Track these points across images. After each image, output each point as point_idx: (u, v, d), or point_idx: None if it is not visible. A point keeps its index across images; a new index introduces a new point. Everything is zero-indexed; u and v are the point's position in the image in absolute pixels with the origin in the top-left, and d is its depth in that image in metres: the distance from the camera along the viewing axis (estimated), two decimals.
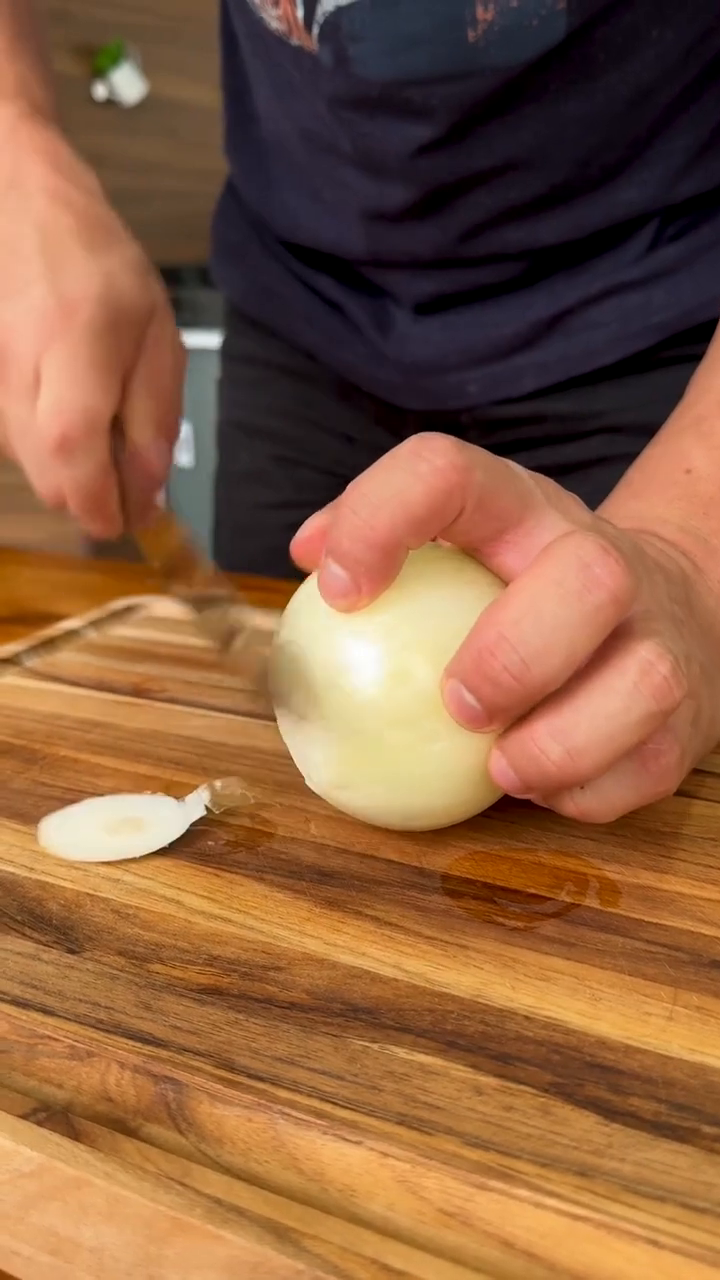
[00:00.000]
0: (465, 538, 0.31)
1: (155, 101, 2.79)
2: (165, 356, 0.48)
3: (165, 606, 0.62)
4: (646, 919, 0.31)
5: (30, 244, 0.45)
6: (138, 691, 0.49)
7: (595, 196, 0.60)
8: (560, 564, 0.29)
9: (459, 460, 0.29)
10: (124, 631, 0.58)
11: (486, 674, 0.29)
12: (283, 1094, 0.25)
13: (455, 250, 0.62)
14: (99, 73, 2.71)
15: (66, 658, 0.54)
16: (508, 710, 0.29)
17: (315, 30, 0.55)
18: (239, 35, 0.67)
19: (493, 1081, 0.25)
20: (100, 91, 2.74)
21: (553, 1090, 0.25)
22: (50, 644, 0.55)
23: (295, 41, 0.57)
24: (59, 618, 0.60)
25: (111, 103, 2.77)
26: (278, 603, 0.63)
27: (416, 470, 0.29)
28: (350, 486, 0.30)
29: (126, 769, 0.41)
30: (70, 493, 0.46)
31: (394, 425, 0.72)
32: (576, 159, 0.58)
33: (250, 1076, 0.25)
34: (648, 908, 0.31)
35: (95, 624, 0.58)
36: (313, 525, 0.32)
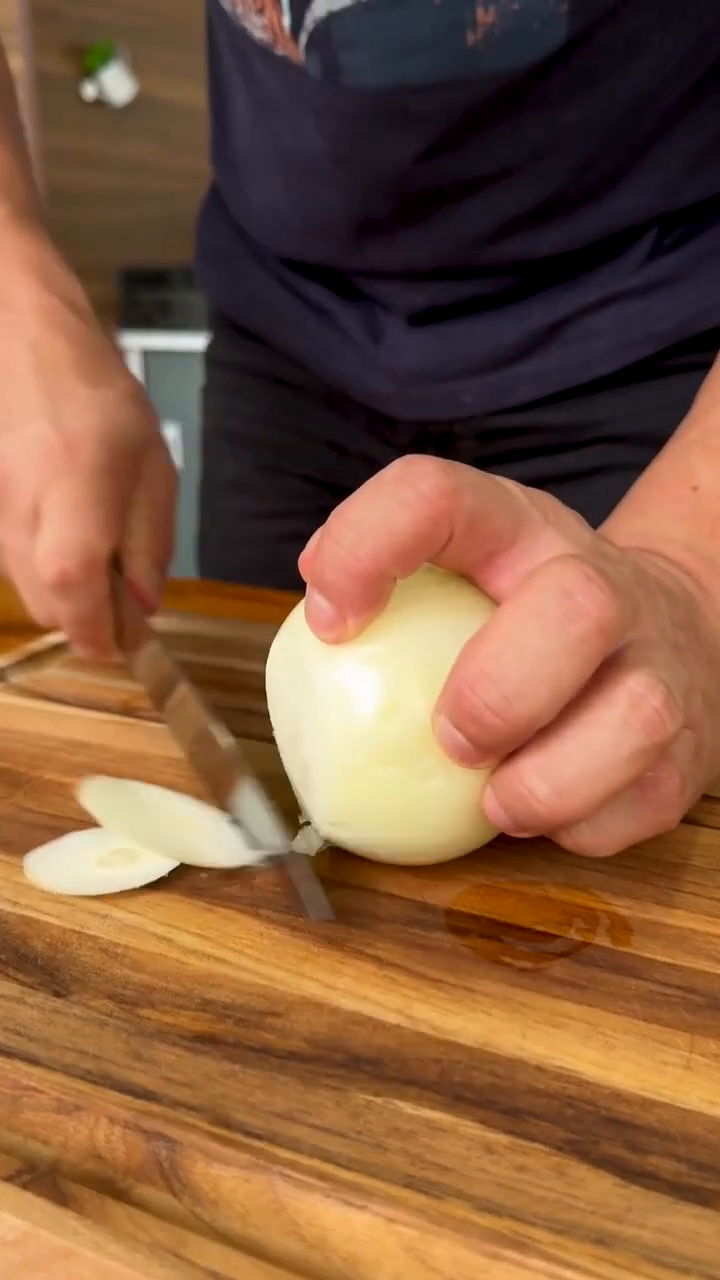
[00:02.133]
0: (457, 562, 0.30)
1: (145, 102, 2.77)
2: (160, 488, 0.49)
3: (156, 622, 0.60)
4: (659, 958, 0.29)
5: (27, 372, 0.46)
6: (127, 710, 0.47)
7: (593, 206, 0.59)
8: (541, 593, 0.27)
9: (446, 485, 0.28)
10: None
11: (468, 711, 0.27)
12: (282, 1153, 0.23)
13: (450, 261, 0.60)
14: (88, 72, 2.69)
15: (53, 673, 0.52)
16: (496, 748, 0.28)
17: (303, 39, 0.53)
18: (221, 47, 0.66)
19: (504, 1139, 0.24)
20: (89, 91, 2.72)
21: (567, 1148, 0.23)
22: (36, 659, 0.54)
23: (280, 52, 0.55)
24: (45, 631, 0.58)
25: (101, 103, 2.75)
26: (264, 613, 0.62)
27: (402, 497, 0.28)
28: (335, 513, 0.29)
29: None
30: (66, 623, 0.47)
31: (385, 434, 0.71)
32: (574, 168, 0.57)
33: (248, 1134, 0.24)
34: (660, 946, 0.30)
35: None
36: (309, 550, 0.31)
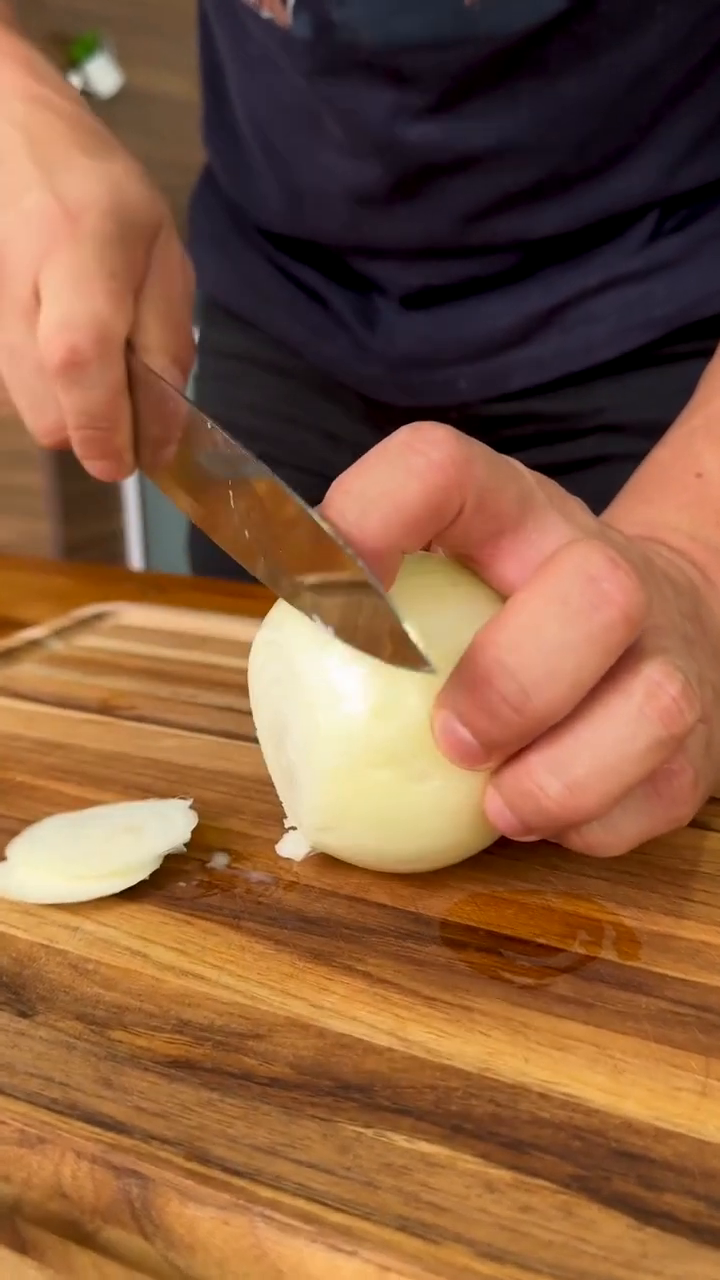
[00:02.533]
0: (460, 542, 0.28)
1: (131, 93, 2.74)
2: (175, 278, 0.43)
3: (136, 614, 0.58)
4: (670, 974, 0.27)
5: (18, 151, 0.40)
6: (104, 709, 0.45)
7: (594, 185, 0.57)
8: (564, 578, 0.25)
9: (458, 453, 0.25)
10: (91, 641, 0.54)
11: (482, 705, 0.25)
12: (264, 1192, 0.21)
13: (446, 239, 0.58)
14: (74, 64, 2.66)
15: (27, 670, 0.50)
16: (506, 745, 0.26)
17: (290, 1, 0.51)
18: (210, 15, 0.64)
19: (506, 1175, 0.22)
20: (75, 83, 2.69)
21: (575, 1185, 0.21)
22: (10, 655, 0.51)
23: (266, 14, 0.53)
24: (22, 625, 0.56)
25: (87, 94, 2.72)
26: (252, 609, 0.60)
27: (411, 465, 0.25)
28: (335, 484, 0.26)
29: (90, 796, 0.37)
30: (75, 423, 0.40)
31: (379, 422, 0.69)
32: (575, 144, 0.55)
33: (226, 1170, 0.22)
34: (671, 960, 0.28)
35: (60, 633, 0.55)
36: None
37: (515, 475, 0.27)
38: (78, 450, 0.41)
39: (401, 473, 0.25)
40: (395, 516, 0.25)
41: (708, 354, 0.62)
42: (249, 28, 0.58)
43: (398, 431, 0.26)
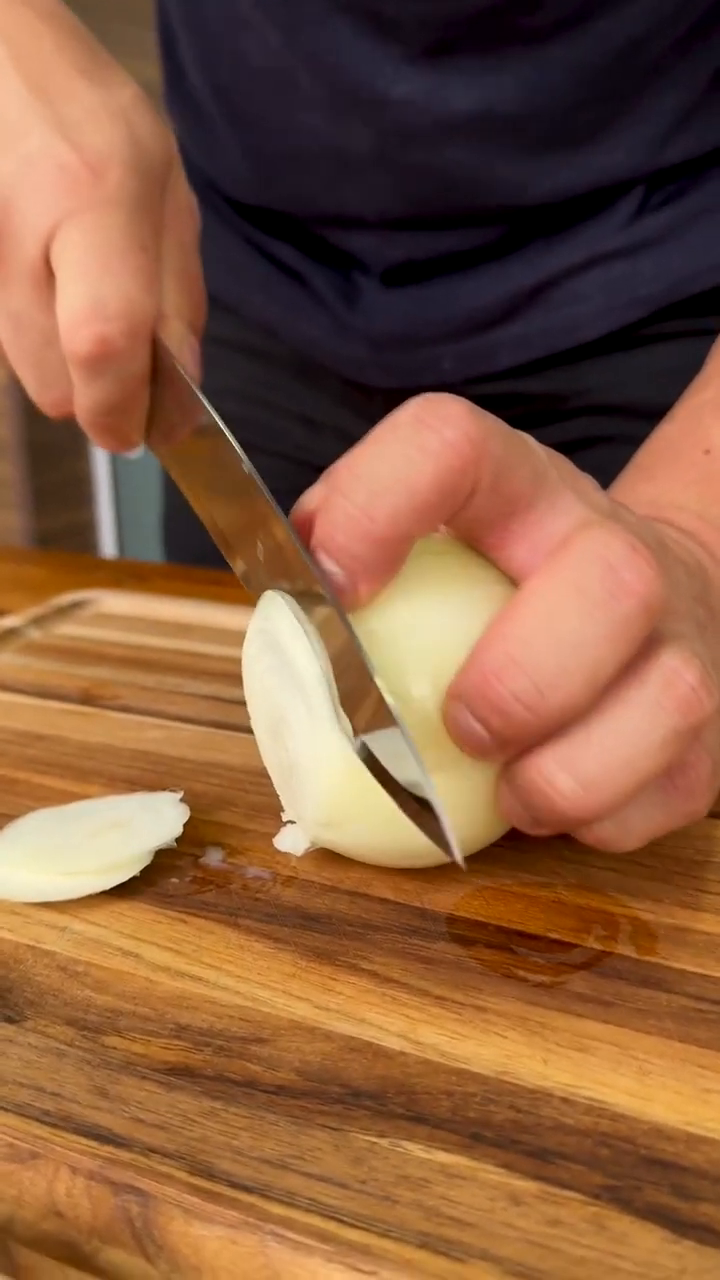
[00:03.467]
0: (470, 523, 0.26)
1: None
2: (187, 224, 0.38)
3: (117, 602, 0.56)
4: (690, 969, 0.26)
5: (4, 67, 0.34)
6: (86, 699, 0.43)
7: (579, 156, 0.56)
8: (581, 566, 0.24)
9: (474, 431, 0.24)
10: (70, 630, 0.52)
11: (493, 702, 0.24)
12: (275, 1208, 0.20)
13: (429, 208, 0.57)
14: None
15: (5, 660, 0.48)
16: (520, 741, 0.25)
17: None
18: None
19: (531, 1186, 0.20)
20: None
21: (605, 1196, 0.20)
22: None
23: None
24: None
25: None
26: (233, 597, 0.58)
27: (424, 444, 0.24)
28: (342, 464, 0.25)
29: (74, 789, 0.36)
30: (89, 408, 0.36)
31: (359, 406, 0.67)
32: (561, 112, 0.53)
33: (233, 1185, 0.20)
34: (690, 954, 0.27)
35: (38, 621, 0.53)
36: (308, 503, 0.27)
37: (528, 452, 0.26)
38: (85, 427, 0.37)
39: (414, 452, 0.24)
40: (406, 502, 0.24)
41: (695, 334, 0.61)
42: None
43: (408, 404, 0.25)
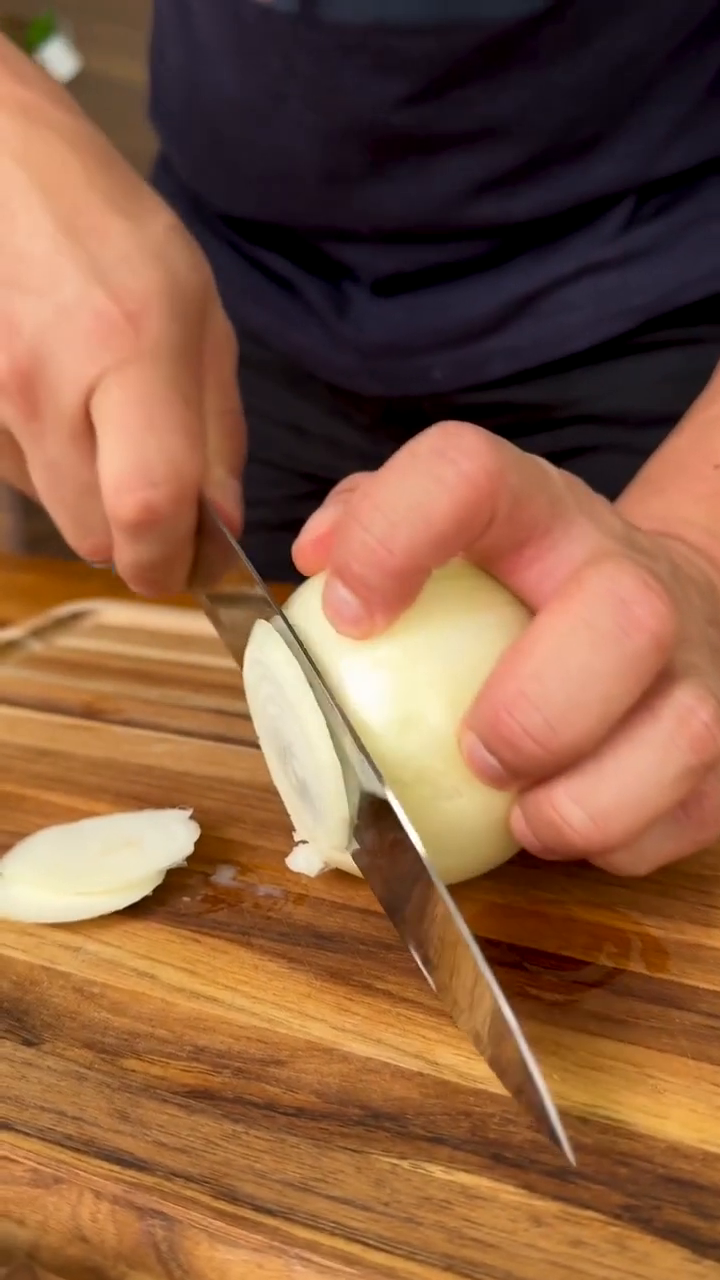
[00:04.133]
0: (485, 551, 0.26)
1: (88, 79, 2.69)
2: (226, 361, 0.37)
3: (116, 613, 0.56)
4: (703, 986, 0.27)
5: (30, 201, 0.33)
6: (90, 713, 0.44)
7: (571, 170, 0.56)
8: (593, 600, 0.24)
9: (492, 464, 0.24)
10: (71, 642, 0.53)
11: (505, 737, 0.24)
12: (300, 1232, 0.20)
13: (422, 221, 0.57)
14: (29, 48, 2.61)
15: (7, 673, 0.48)
16: (533, 773, 0.25)
17: None
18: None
19: (553, 1207, 0.21)
20: None
21: (626, 1216, 0.20)
22: None
23: None
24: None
25: None
26: None
27: (442, 476, 0.24)
28: (360, 492, 0.25)
29: (82, 806, 0.36)
30: (130, 565, 0.34)
31: (349, 414, 0.67)
32: (556, 128, 0.54)
33: (257, 1209, 0.21)
34: (702, 971, 0.27)
35: (38, 633, 0.53)
36: (319, 526, 0.27)
37: (545, 480, 0.26)
38: (126, 579, 0.36)
39: (432, 484, 0.24)
40: (424, 534, 0.24)
41: (685, 343, 0.62)
42: (194, 12, 0.56)
43: (427, 434, 0.25)
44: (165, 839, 0.31)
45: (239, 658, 0.31)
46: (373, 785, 0.25)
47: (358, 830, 0.26)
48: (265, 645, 0.28)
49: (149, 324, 0.32)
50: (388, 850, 0.25)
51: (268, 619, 0.28)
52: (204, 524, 0.34)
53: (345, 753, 0.25)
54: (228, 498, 0.35)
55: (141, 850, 0.31)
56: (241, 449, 0.38)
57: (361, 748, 0.25)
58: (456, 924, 0.23)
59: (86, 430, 0.33)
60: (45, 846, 0.32)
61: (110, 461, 0.32)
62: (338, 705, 0.26)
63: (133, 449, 0.31)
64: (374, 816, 0.25)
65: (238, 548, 0.32)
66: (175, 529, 0.33)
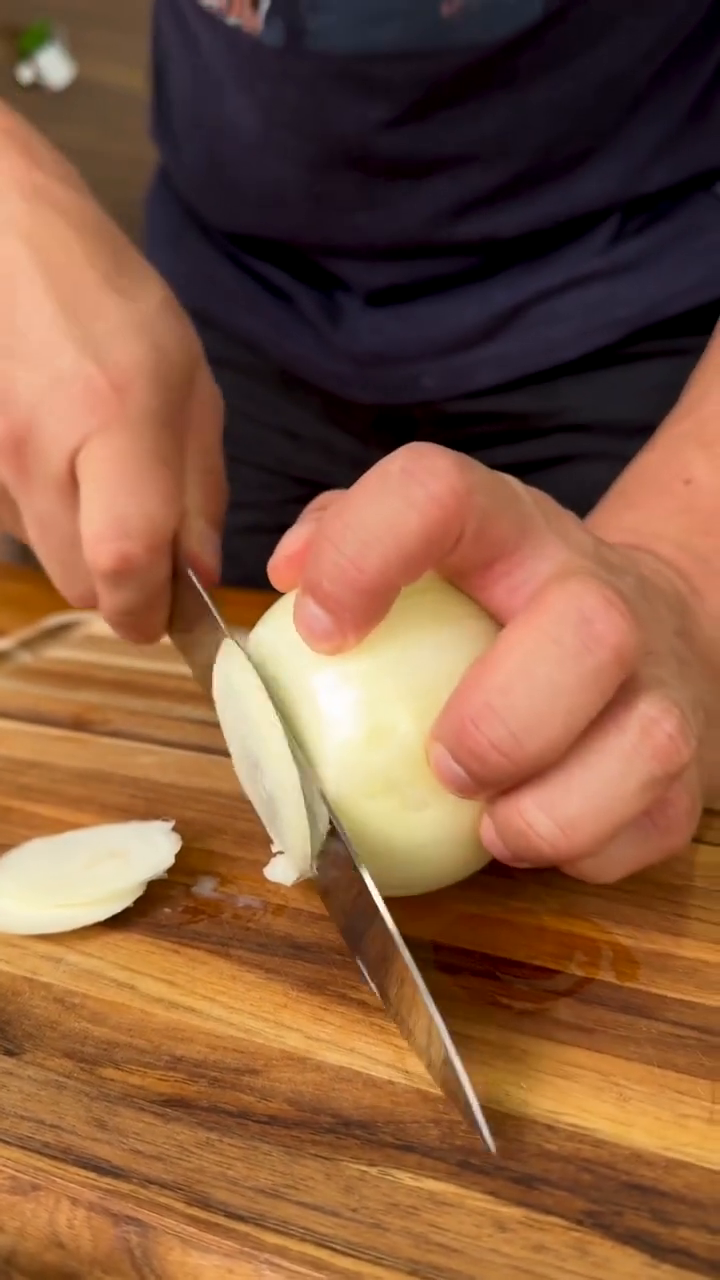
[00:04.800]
0: (452, 568, 0.27)
1: (84, 86, 2.69)
2: (209, 427, 0.40)
3: (105, 624, 0.57)
4: (670, 994, 0.27)
5: (32, 277, 0.35)
6: (77, 724, 0.44)
7: (557, 188, 0.57)
8: (557, 618, 0.24)
9: (459, 485, 0.25)
10: (60, 653, 0.53)
11: (471, 749, 0.24)
12: (270, 1238, 0.21)
13: (412, 240, 0.58)
14: (24, 55, 2.61)
15: None
16: (500, 783, 0.25)
17: (264, 4, 0.50)
18: (162, 17, 0.63)
19: (517, 1213, 0.21)
20: (26, 75, 2.64)
21: (588, 1221, 0.21)
22: None
23: (233, 20, 0.52)
24: None
25: (38, 86, 2.67)
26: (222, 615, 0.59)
27: (410, 496, 0.24)
28: (331, 512, 0.25)
29: (68, 818, 0.36)
30: (112, 610, 0.37)
31: (342, 420, 0.68)
32: (540, 147, 0.54)
33: (229, 1215, 0.21)
34: (670, 980, 0.28)
35: (27, 644, 0.54)
36: (293, 543, 0.28)
37: (514, 499, 0.27)
38: (109, 624, 0.39)
39: (402, 504, 0.24)
40: (396, 553, 0.24)
41: (671, 354, 0.62)
42: (199, 38, 0.57)
43: (396, 455, 0.25)
44: (148, 850, 0.32)
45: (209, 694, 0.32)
46: (319, 809, 0.26)
47: (319, 853, 0.27)
48: (231, 663, 0.28)
49: (133, 394, 0.35)
50: (341, 875, 0.26)
51: (233, 638, 0.29)
52: (180, 573, 0.36)
53: (305, 774, 0.26)
54: (205, 548, 0.38)
55: (126, 861, 0.32)
56: (222, 506, 0.40)
57: (308, 777, 0.25)
58: (388, 925, 0.24)
59: (72, 488, 0.35)
60: (31, 859, 0.33)
61: (89, 515, 0.34)
62: (305, 721, 0.26)
63: (110, 503, 0.34)
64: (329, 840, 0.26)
65: (208, 599, 0.34)
66: (151, 578, 0.35)
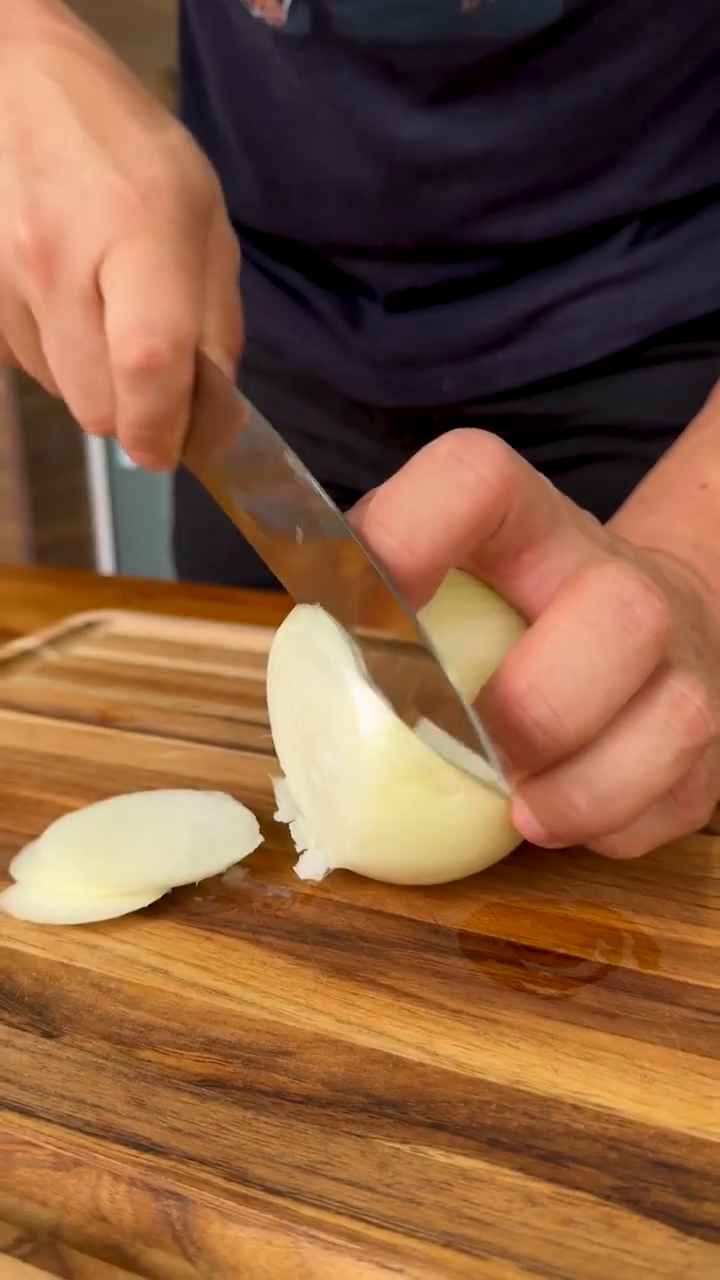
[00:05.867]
0: (488, 555, 0.28)
1: None
2: (228, 258, 0.40)
3: (129, 623, 0.58)
4: (691, 981, 0.28)
5: (62, 107, 0.36)
6: (104, 720, 0.45)
7: (579, 193, 0.57)
8: (597, 602, 0.25)
9: (507, 468, 0.26)
10: (85, 651, 0.54)
11: (515, 728, 0.25)
12: (306, 1211, 0.21)
13: (434, 241, 0.59)
14: None
15: (22, 682, 0.49)
16: (538, 762, 0.26)
17: None
18: (190, 11, 0.64)
19: (546, 1188, 0.22)
20: None
21: (615, 1197, 0.22)
22: (4, 666, 0.51)
23: (257, 13, 0.53)
24: (10, 635, 0.56)
25: None
26: (237, 615, 0.60)
27: (460, 480, 0.25)
28: (380, 495, 0.26)
29: None
30: (131, 422, 0.37)
31: (361, 424, 0.69)
32: (563, 152, 0.55)
33: (267, 1190, 0.22)
34: (691, 968, 0.28)
35: (53, 643, 0.54)
36: None
37: (547, 490, 0.27)
38: (125, 443, 0.38)
39: (451, 488, 0.25)
40: (445, 536, 0.25)
41: (689, 357, 0.63)
42: (234, 25, 0.58)
43: (444, 439, 0.26)
44: (233, 830, 0.33)
45: (244, 523, 0.33)
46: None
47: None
48: (314, 622, 0.29)
49: (159, 203, 0.35)
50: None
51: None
52: (200, 386, 0.36)
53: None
54: (224, 368, 0.38)
55: (211, 836, 0.33)
56: (238, 338, 0.40)
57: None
58: None
59: (97, 300, 0.36)
60: (80, 829, 0.33)
61: (115, 316, 0.34)
62: (338, 707, 0.27)
63: (137, 304, 0.34)
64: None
65: (235, 390, 0.35)
66: (174, 379, 0.35)
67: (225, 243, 0.40)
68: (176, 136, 0.38)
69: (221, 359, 0.38)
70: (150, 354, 0.34)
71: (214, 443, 0.36)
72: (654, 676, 0.26)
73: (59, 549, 2.56)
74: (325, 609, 0.28)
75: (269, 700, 0.32)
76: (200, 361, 0.36)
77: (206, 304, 0.38)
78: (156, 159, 0.36)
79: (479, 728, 0.24)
